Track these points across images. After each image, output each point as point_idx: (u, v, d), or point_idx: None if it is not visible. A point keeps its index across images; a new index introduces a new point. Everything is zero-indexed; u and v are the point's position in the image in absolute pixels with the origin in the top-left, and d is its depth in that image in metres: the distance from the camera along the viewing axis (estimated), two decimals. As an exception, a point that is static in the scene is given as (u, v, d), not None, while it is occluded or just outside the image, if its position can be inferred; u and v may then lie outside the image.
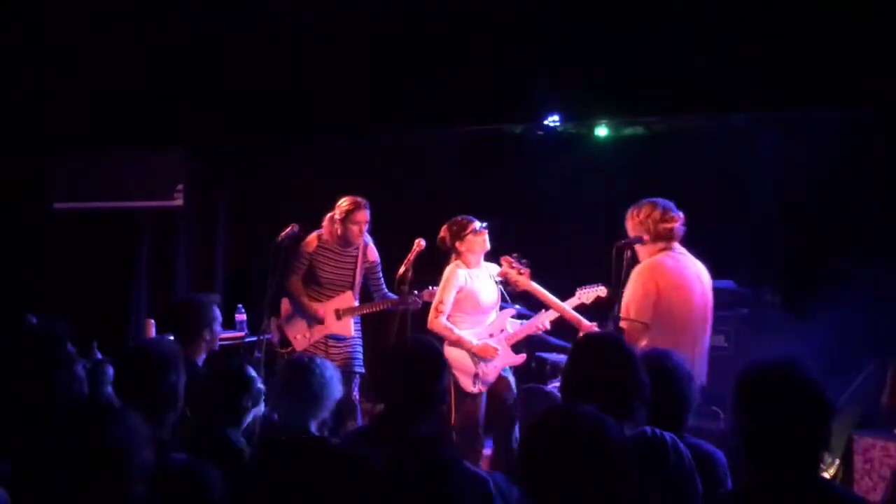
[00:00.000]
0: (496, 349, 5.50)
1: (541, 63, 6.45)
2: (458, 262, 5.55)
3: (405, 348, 3.41)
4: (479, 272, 5.60)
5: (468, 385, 5.45)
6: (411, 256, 5.82)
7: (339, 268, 5.95)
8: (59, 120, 7.46)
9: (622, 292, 4.98)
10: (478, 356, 5.47)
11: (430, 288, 5.77)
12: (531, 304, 5.71)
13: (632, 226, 4.64)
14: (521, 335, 5.61)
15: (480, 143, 7.40)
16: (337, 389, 3.71)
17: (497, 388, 5.55)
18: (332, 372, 3.71)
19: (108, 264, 7.69)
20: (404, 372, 3.15)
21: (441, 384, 3.18)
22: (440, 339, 5.40)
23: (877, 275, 5.73)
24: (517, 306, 5.77)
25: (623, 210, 6.76)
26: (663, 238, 4.57)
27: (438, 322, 5.49)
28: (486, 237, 5.56)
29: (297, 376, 3.65)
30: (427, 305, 5.76)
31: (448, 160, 7.39)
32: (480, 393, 5.48)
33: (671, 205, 4.63)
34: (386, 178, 7.39)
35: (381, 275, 6.04)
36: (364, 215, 5.86)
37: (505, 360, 5.56)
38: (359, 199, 5.88)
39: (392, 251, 6.05)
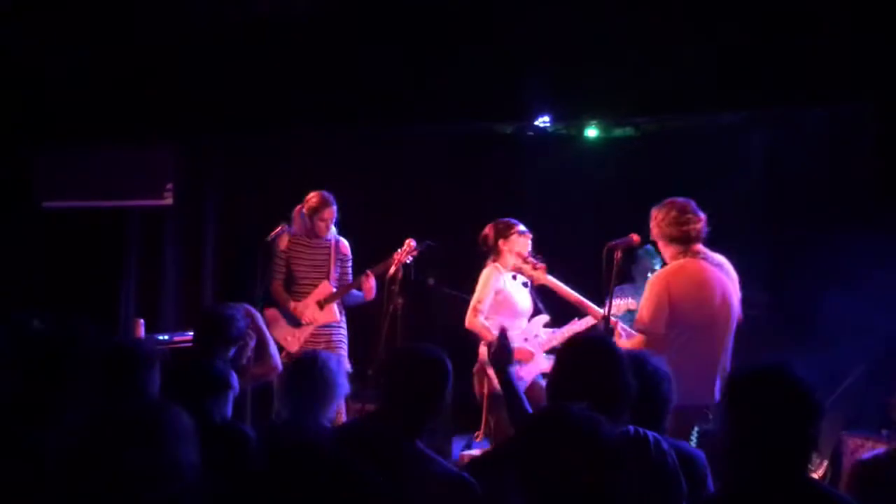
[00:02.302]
0: (532, 352, 5.45)
1: (532, 63, 6.43)
2: (497, 264, 5.51)
3: (416, 353, 3.22)
4: (516, 278, 5.56)
5: None
6: (401, 257, 5.80)
7: (313, 260, 5.96)
8: (48, 118, 7.43)
9: (612, 293, 4.96)
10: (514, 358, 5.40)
11: (379, 264, 5.79)
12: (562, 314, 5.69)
13: (652, 227, 4.48)
14: (555, 342, 5.52)
15: (471, 142, 7.38)
16: (344, 381, 3.66)
17: (531, 394, 5.45)
18: (337, 364, 3.67)
19: (97, 263, 7.66)
20: (414, 376, 3.05)
21: (446, 391, 3.08)
22: (478, 338, 5.42)
23: (868, 273, 5.73)
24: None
25: (613, 211, 6.79)
26: (679, 241, 4.38)
27: (477, 321, 5.42)
28: (529, 241, 5.53)
29: (304, 373, 3.60)
30: (459, 306, 5.71)
31: (438, 159, 7.37)
32: None
33: (691, 205, 4.42)
34: (376, 177, 7.37)
35: (350, 270, 6.03)
36: (331, 212, 5.90)
37: (540, 366, 5.49)
38: (325, 194, 5.91)
39: (380, 249, 6.03)
